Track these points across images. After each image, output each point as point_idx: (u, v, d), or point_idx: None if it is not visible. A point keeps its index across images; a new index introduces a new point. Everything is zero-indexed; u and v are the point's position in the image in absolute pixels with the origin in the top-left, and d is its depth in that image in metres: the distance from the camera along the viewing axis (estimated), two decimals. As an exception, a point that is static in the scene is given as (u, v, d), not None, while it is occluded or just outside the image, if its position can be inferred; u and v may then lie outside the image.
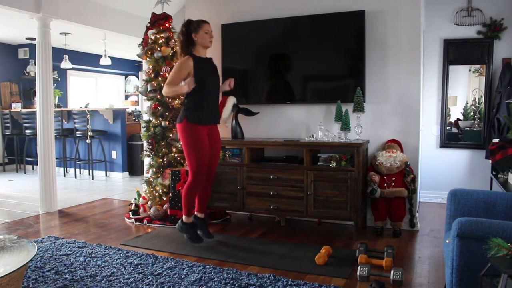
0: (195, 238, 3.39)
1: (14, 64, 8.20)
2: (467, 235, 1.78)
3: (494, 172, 3.76)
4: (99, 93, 10.61)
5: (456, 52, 4.79)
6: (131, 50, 7.80)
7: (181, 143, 3.42)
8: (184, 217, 3.42)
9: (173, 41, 4.33)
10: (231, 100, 4.03)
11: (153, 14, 4.38)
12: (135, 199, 4.43)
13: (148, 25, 4.38)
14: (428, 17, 4.78)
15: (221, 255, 3.14)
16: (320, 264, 2.92)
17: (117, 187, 6.21)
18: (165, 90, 3.34)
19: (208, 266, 2.87)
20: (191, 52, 3.36)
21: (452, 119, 4.95)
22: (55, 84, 7.54)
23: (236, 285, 2.57)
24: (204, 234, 3.47)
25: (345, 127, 3.70)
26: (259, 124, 4.36)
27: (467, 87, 4.92)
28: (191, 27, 3.34)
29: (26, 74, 8.10)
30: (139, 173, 7.09)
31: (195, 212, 3.51)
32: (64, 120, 7.37)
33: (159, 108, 4.29)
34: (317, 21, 3.97)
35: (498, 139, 3.61)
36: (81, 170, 7.44)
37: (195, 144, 3.26)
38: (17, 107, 7.76)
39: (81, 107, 7.77)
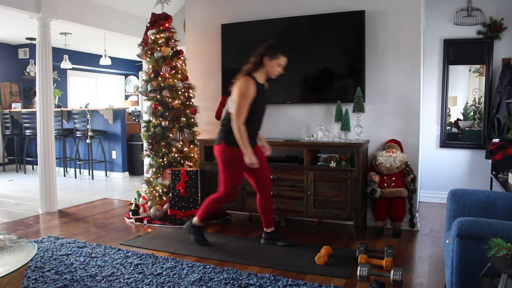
0: (201, 241, 3.40)
1: (14, 64, 8.20)
2: (467, 235, 1.78)
3: (494, 172, 3.76)
4: (99, 93, 10.61)
5: (456, 52, 4.79)
6: (131, 50, 7.80)
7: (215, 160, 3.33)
8: (195, 219, 3.39)
9: (173, 41, 4.33)
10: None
11: (153, 14, 4.38)
12: (135, 199, 4.43)
13: (148, 25, 4.38)
14: (428, 17, 4.78)
15: (221, 255, 3.14)
16: (320, 264, 2.93)
17: (117, 187, 6.21)
18: (236, 125, 3.05)
19: (208, 266, 2.87)
20: (251, 74, 3.18)
21: (452, 119, 4.95)
22: (55, 84, 7.54)
23: (236, 285, 2.57)
24: (282, 241, 3.38)
25: (345, 127, 3.70)
26: (259, 124, 4.36)
27: (467, 87, 4.91)
28: (269, 51, 3.19)
29: (26, 74, 8.10)
30: (139, 173, 7.09)
31: (265, 229, 3.41)
32: (64, 120, 7.36)
33: (159, 108, 4.29)
34: (317, 21, 3.97)
35: (498, 139, 3.62)
36: (81, 170, 7.43)
37: (232, 167, 3.20)
38: (17, 107, 7.76)
39: (81, 107, 7.77)
